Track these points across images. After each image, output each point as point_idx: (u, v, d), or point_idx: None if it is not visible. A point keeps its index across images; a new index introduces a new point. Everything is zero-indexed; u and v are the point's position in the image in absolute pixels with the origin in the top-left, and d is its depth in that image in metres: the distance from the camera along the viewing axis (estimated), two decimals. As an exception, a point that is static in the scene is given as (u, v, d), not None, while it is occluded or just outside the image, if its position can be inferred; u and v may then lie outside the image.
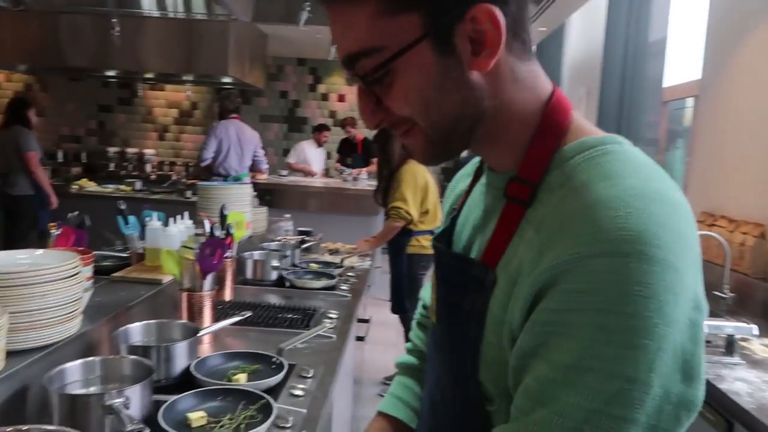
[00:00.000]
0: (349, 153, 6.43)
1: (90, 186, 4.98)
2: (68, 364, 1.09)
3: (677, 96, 3.62)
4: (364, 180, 5.56)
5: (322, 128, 6.53)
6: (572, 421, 0.48)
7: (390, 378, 3.17)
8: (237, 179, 4.65)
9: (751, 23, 2.60)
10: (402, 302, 3.19)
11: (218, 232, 1.70)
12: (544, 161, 0.57)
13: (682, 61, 3.61)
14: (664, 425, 0.49)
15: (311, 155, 6.37)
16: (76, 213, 1.62)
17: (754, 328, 1.63)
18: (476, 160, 0.77)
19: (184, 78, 6.40)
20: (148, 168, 6.46)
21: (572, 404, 0.48)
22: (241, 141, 4.81)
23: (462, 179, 0.82)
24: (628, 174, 0.52)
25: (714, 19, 2.95)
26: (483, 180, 0.69)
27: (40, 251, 1.21)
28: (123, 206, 1.99)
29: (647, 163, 0.55)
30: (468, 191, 0.74)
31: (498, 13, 0.54)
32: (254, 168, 5.05)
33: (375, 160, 6.32)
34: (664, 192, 0.52)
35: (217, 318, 1.58)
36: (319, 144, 6.49)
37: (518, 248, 0.56)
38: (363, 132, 6.59)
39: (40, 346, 1.11)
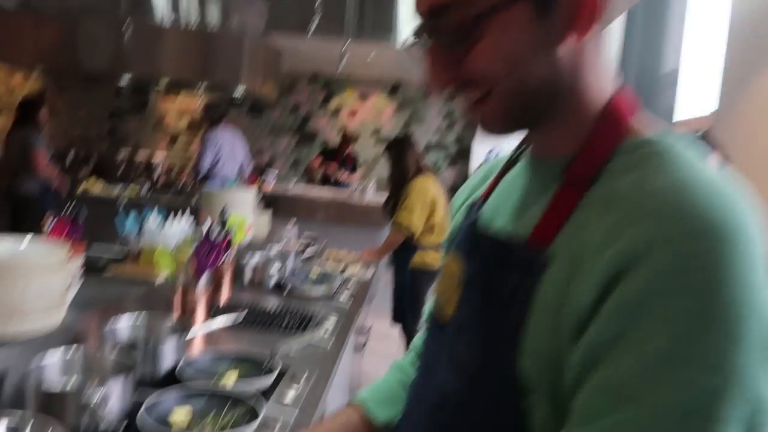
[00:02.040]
0: (341, 164, 6.21)
1: (97, 187, 4.95)
2: (48, 355, 1.04)
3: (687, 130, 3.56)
4: (371, 192, 5.50)
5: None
6: (669, 421, 0.42)
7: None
8: (231, 185, 4.63)
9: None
10: (404, 311, 3.12)
11: (216, 233, 1.66)
12: (607, 148, 0.55)
13: (694, 94, 3.57)
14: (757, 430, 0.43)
15: None
16: (72, 204, 1.59)
17: None
18: (500, 158, 0.75)
19: (198, 87, 6.42)
20: (157, 173, 6.45)
21: (668, 402, 0.42)
22: (234, 147, 4.79)
23: (478, 178, 0.79)
24: (702, 165, 0.50)
25: (732, 52, 2.90)
26: (517, 170, 0.67)
27: (27, 240, 1.17)
28: (123, 203, 1.97)
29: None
30: (494, 183, 0.70)
31: None
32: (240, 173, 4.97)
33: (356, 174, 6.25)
34: (736, 185, 0.49)
35: (210, 319, 1.53)
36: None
37: (578, 231, 0.52)
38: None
39: (21, 335, 1.07)
